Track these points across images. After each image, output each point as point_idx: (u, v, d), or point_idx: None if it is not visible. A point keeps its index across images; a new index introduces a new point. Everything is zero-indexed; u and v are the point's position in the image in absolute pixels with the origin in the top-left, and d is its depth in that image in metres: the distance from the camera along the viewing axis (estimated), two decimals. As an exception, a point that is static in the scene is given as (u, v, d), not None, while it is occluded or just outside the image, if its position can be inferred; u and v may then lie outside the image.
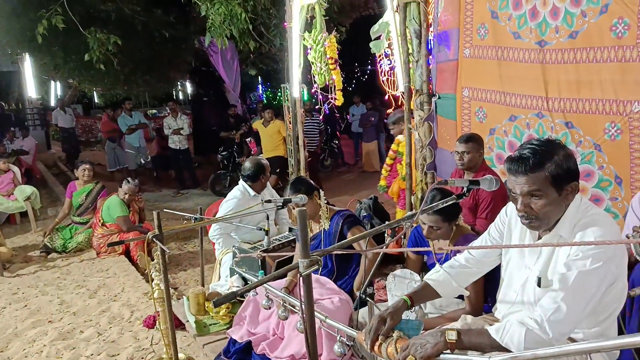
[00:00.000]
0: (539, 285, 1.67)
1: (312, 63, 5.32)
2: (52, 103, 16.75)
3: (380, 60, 6.48)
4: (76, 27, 6.66)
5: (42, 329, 3.61)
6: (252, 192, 4.00)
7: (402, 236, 3.47)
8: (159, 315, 3.08)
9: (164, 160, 9.94)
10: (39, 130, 13.18)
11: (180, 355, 2.80)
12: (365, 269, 2.57)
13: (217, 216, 4.07)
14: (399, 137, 5.12)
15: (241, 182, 4.07)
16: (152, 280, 2.91)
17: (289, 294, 2.79)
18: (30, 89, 13.41)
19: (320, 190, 3.11)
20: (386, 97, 5.74)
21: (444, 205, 1.99)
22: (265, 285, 2.53)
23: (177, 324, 3.29)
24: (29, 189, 6.70)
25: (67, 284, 4.51)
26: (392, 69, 5.61)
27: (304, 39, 5.28)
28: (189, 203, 7.83)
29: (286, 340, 2.75)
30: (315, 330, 1.67)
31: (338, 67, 5.24)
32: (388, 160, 5.42)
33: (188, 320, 3.30)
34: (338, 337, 2.09)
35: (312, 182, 3.15)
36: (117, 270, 4.78)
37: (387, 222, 2.15)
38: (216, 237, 3.91)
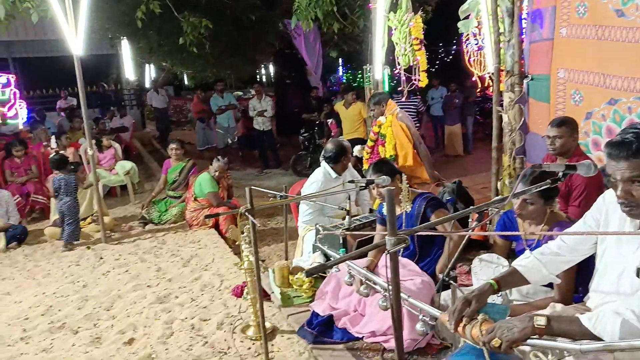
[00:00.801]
0: (638, 275, 1.60)
1: (396, 44, 5.26)
2: (147, 84, 17.88)
3: (467, 40, 6.27)
4: (171, 12, 7.05)
5: (141, 292, 3.96)
6: (333, 174, 4.07)
7: (488, 222, 3.40)
8: (246, 285, 3.28)
9: (248, 141, 10.31)
10: (135, 110, 14.16)
11: (267, 323, 2.96)
12: (449, 251, 2.56)
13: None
14: (380, 119, 5.03)
15: (323, 163, 4.15)
16: (242, 252, 3.10)
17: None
18: (128, 71, 14.39)
19: (402, 174, 3.12)
20: (473, 78, 5.57)
21: (539, 188, 1.93)
22: (348, 262, 2.62)
23: (263, 295, 3.47)
24: (128, 164, 7.27)
25: (163, 253, 4.89)
26: (480, 49, 5.41)
27: (388, 20, 5.23)
28: (271, 182, 8.10)
29: (367, 317, 2.83)
30: (400, 306, 1.71)
31: (423, 48, 5.15)
32: (369, 143, 5.26)
33: (273, 292, 3.48)
34: (420, 317, 2.13)
35: (394, 165, 3.17)
36: (208, 242, 5.10)
37: (473, 206, 2.13)
38: (307, 218, 4.03)
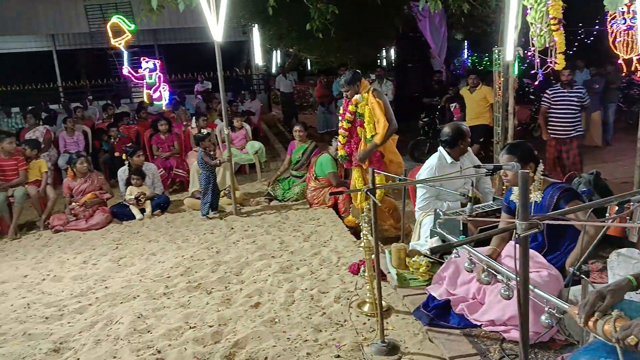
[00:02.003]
0: None
1: (531, 24, 4.94)
2: (273, 70, 18.74)
3: (614, 19, 5.66)
4: (300, -1, 7.31)
5: (266, 262, 4.26)
6: (449, 159, 3.99)
7: (628, 217, 3.11)
8: (364, 263, 3.38)
9: (367, 125, 10.38)
10: (262, 94, 14.94)
11: (382, 302, 3.03)
12: (583, 245, 2.41)
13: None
14: (356, 98, 4.65)
15: (439, 148, 4.09)
16: (361, 230, 3.20)
17: (492, 261, 2.78)
18: (257, 57, 15.20)
19: (539, 162, 2.94)
20: (619, 61, 5.05)
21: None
22: (469, 248, 2.58)
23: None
24: (257, 144, 7.76)
25: (286, 227, 5.19)
26: (628, 29, 4.87)
27: (523, -2, 4.93)
28: (389, 166, 8.11)
29: (487, 306, 2.77)
30: (528, 295, 1.67)
31: (562, 28, 4.77)
32: (345, 124, 4.82)
33: (389, 272, 3.54)
34: (546, 308, 2.04)
35: (533, 151, 2.98)
36: (327, 220, 5.30)
37: (612, 196, 1.98)
38: (422, 204, 4.02)
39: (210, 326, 3.17)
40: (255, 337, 2.99)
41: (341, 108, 5.05)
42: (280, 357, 2.77)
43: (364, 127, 4.73)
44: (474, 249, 2.72)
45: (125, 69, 11.19)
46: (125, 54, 11.27)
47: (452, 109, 8.10)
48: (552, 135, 6.12)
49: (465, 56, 20.73)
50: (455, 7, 6.73)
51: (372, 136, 4.67)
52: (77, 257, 4.70)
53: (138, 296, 3.71)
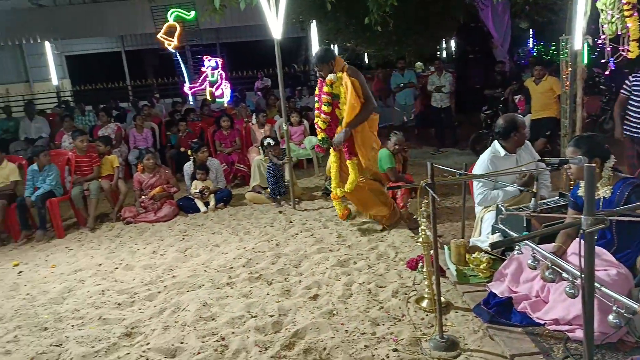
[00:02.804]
0: None
1: (601, 10, 4.68)
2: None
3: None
4: (359, -9, 7.31)
5: (324, 255, 4.33)
6: (502, 152, 3.87)
7: None
8: (422, 259, 3.36)
9: (425, 118, 10.24)
10: (320, 89, 15.03)
11: (441, 298, 3.01)
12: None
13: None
14: (331, 77, 4.36)
15: (495, 141, 3.99)
16: (420, 225, 3.19)
17: (557, 258, 2.70)
18: (315, 52, 15.31)
19: (610, 156, 2.80)
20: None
21: None
22: (532, 245, 2.51)
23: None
24: (314, 140, 7.83)
25: (343, 222, 5.23)
26: None
27: (594, -16, 4.68)
28: (448, 161, 7.96)
29: (551, 304, 2.69)
30: (593, 293, 1.62)
31: (636, 13, 4.49)
32: (324, 108, 4.49)
33: (449, 268, 3.50)
34: (614, 308, 1.97)
35: (601, 144, 2.83)
36: (384, 215, 5.30)
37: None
38: (479, 198, 3.94)
39: (271, 316, 3.27)
40: (314, 328, 3.06)
41: (317, 89, 4.80)
42: (339, 349, 2.83)
43: (339, 108, 4.49)
44: (538, 245, 2.65)
45: (187, 87, 11.68)
46: (185, 73, 11.69)
47: (516, 101, 7.82)
48: (627, 133, 5.38)
49: (531, 45, 19.87)
50: (521, -4, 6.49)
51: None
52: (147, 248, 4.98)
53: (203, 285, 3.89)
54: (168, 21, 12.92)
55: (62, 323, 3.46)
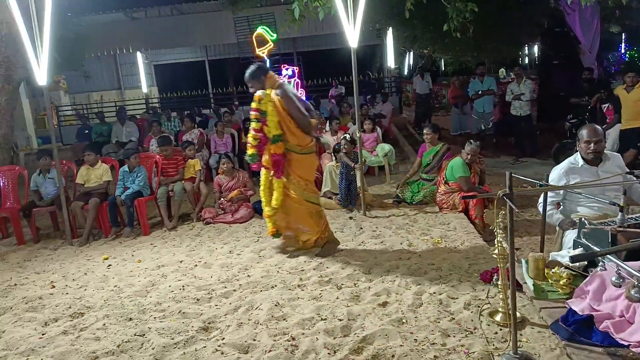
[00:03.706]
0: None
1: None
2: (405, 72, 18.64)
3: None
4: (436, -1, 7.23)
5: (394, 262, 4.31)
6: (580, 162, 3.71)
7: None
8: (497, 271, 3.26)
9: (504, 126, 9.90)
10: (394, 97, 14.98)
11: (517, 313, 2.91)
12: None
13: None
14: (258, 93, 4.22)
15: (577, 152, 3.81)
16: (496, 237, 3.10)
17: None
18: (390, 60, 15.29)
19: None
20: None
21: None
22: (617, 261, 2.38)
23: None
24: (387, 147, 7.84)
25: (414, 230, 5.18)
26: None
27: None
28: (527, 171, 7.64)
29: (637, 325, 2.53)
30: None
31: None
32: (254, 124, 4.30)
33: (525, 282, 3.37)
34: None
35: None
36: (457, 225, 5.19)
37: None
38: (549, 206, 3.79)
39: (340, 320, 3.32)
40: (383, 335, 3.07)
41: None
42: (407, 357, 2.81)
43: (267, 126, 4.35)
44: (624, 262, 2.49)
45: None
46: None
47: (604, 110, 7.38)
48: None
49: (622, 50, 18.59)
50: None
51: (276, 136, 4.34)
52: (224, 247, 5.21)
53: (275, 286, 4.01)
54: (250, 32, 13.43)
55: (145, 315, 3.71)
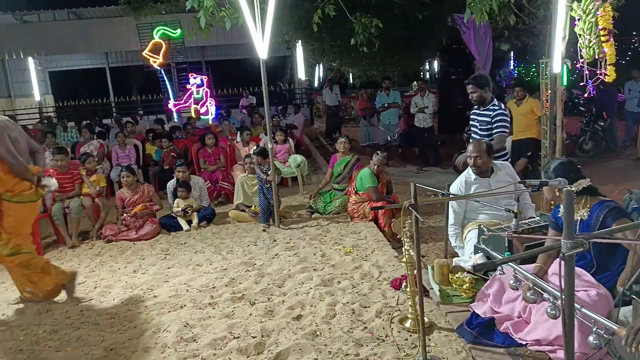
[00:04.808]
0: None
1: (579, 35, 4.83)
2: (315, 84, 18.94)
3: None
4: (344, 14, 7.41)
5: (308, 274, 4.30)
6: (473, 175, 4.04)
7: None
8: (406, 279, 3.37)
9: (409, 138, 10.36)
10: (305, 108, 15.15)
11: (425, 318, 3.01)
12: (633, 264, 2.33)
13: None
14: None
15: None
16: (403, 245, 3.19)
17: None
18: (300, 71, 15.45)
19: (584, 179, 2.86)
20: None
21: None
22: (514, 265, 2.54)
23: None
24: (299, 158, 7.87)
25: (327, 240, 5.22)
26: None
27: (571, 10, 4.82)
28: (430, 180, 8.03)
29: (532, 325, 2.71)
30: (573, 316, 1.64)
31: (612, 39, 4.64)
32: None
33: (432, 288, 3.51)
34: (594, 329, 1.99)
35: (579, 169, 2.91)
36: (368, 234, 5.30)
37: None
38: (451, 232, 4.04)
39: (254, 337, 3.23)
40: (297, 350, 3.03)
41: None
42: (322, 370, 2.80)
43: None
44: (520, 266, 2.67)
45: (171, 103, 11.69)
46: (170, 90, 11.74)
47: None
48: None
49: (512, 67, 20.33)
50: (501, 19, 6.65)
51: None
52: (128, 267, 4.90)
53: (185, 305, 3.83)
54: (154, 38, 12.95)
55: (39, 345, 3.37)
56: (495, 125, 4.53)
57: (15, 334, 3.55)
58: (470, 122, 4.90)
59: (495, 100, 4.69)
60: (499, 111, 4.54)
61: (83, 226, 6.29)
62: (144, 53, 11.76)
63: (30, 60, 15.81)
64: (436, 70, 18.83)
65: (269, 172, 5.84)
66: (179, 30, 11.77)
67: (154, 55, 12.63)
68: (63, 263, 5.22)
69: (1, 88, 17.72)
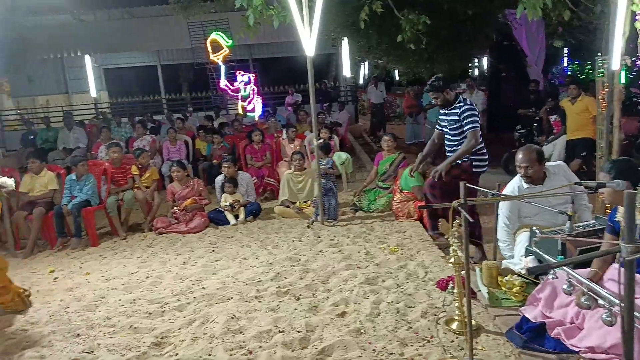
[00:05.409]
0: None
1: (641, 30, 4.60)
2: (361, 81, 18.88)
3: None
4: (391, 10, 7.35)
5: (352, 272, 4.31)
6: (525, 185, 3.87)
7: None
8: (452, 280, 3.32)
9: (456, 136, 10.14)
10: (350, 106, 15.12)
11: (472, 320, 2.96)
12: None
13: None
14: None
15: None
16: (451, 246, 3.15)
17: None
18: (346, 69, 15.41)
19: None
20: None
21: None
22: (568, 269, 2.46)
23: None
24: (344, 155, 7.87)
25: (372, 239, 5.21)
26: None
27: (632, 4, 4.60)
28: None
29: (586, 331, 2.62)
30: (633, 322, 1.57)
31: (676, 35, 4.39)
32: None
33: (480, 290, 3.44)
34: (656, 339, 1.90)
35: (636, 169, 2.78)
36: (413, 233, 5.26)
37: None
38: (500, 242, 3.91)
39: (298, 331, 3.27)
40: (342, 346, 3.05)
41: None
42: (366, 368, 2.80)
43: None
44: (574, 270, 2.58)
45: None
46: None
47: (551, 121, 7.69)
48: None
49: (565, 64, 19.55)
50: (556, 15, 6.41)
51: None
52: (178, 258, 5.06)
53: (232, 298, 3.92)
54: (204, 37, 13.23)
55: (94, 330, 3.54)
56: (465, 122, 4.51)
57: (73, 320, 3.73)
58: (440, 124, 4.90)
59: (459, 97, 4.67)
60: (464, 107, 4.52)
61: (135, 218, 6.55)
62: (212, 57, 12.01)
63: (87, 58, 16.51)
64: (485, 67, 18.37)
65: (330, 166, 5.88)
66: (231, 41, 11.98)
67: (214, 59, 12.87)
68: (117, 253, 5.46)
69: (59, 85, 18.62)
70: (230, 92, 11.80)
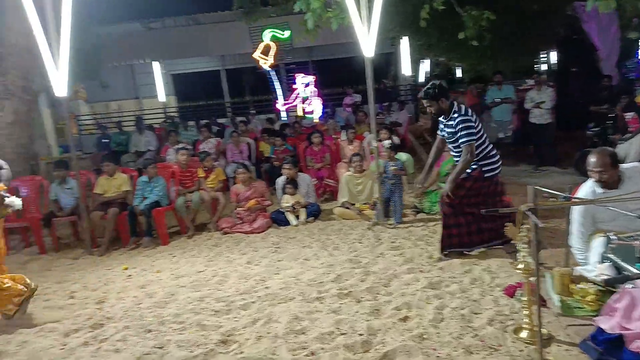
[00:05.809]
0: None
1: None
2: (420, 80, 18.57)
3: None
4: (452, 8, 7.21)
5: (414, 275, 4.25)
6: (599, 190, 3.59)
7: None
8: (520, 286, 3.20)
9: (523, 135, 9.76)
10: (410, 105, 14.92)
11: (542, 329, 2.84)
12: None
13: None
14: None
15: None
16: (519, 252, 3.04)
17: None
18: (405, 68, 15.24)
19: None
20: None
21: None
22: (650, 279, 2.31)
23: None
24: (404, 156, 7.74)
25: (434, 242, 5.10)
26: None
27: None
28: (547, 181, 7.50)
29: (669, 345, 2.45)
30: None
31: None
32: None
33: (550, 298, 3.30)
34: None
35: None
36: (477, 237, 5.11)
37: None
38: (574, 249, 3.71)
39: (360, 334, 3.27)
40: (404, 351, 3.01)
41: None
42: (431, 374, 2.76)
43: None
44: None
45: (279, 104, 12.11)
46: (275, 78, 12.19)
47: (626, 119, 7.23)
48: None
49: None
50: (630, 8, 6.04)
51: None
52: (243, 258, 5.21)
53: (294, 298, 3.98)
54: (263, 41, 13.55)
55: (164, 326, 3.70)
56: (459, 135, 4.32)
57: (145, 316, 3.93)
58: (440, 132, 4.73)
59: (455, 106, 4.45)
60: (459, 119, 4.33)
61: (202, 218, 6.79)
62: (254, 55, 12.35)
63: (155, 64, 17.31)
64: (552, 62, 17.54)
65: (400, 167, 5.87)
66: (287, 33, 12.19)
67: (264, 57, 13.20)
68: (185, 252, 5.70)
69: (130, 90, 19.63)
70: (289, 106, 12.06)
